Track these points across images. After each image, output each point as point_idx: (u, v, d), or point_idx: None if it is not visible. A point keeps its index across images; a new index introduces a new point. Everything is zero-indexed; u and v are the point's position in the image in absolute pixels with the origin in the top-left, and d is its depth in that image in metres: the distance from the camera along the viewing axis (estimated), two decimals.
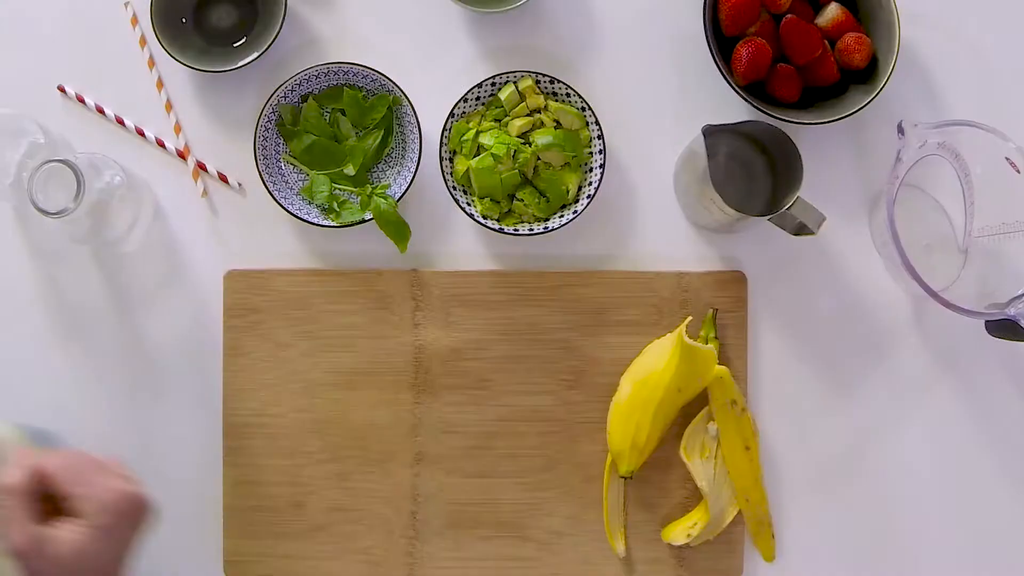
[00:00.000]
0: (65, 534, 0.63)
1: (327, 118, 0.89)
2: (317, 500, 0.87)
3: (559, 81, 0.86)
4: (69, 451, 0.69)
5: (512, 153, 0.85)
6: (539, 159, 0.86)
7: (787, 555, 0.88)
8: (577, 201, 0.87)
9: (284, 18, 0.87)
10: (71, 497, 0.64)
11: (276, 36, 0.87)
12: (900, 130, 0.81)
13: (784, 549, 0.88)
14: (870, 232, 0.90)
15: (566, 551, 0.86)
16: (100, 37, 0.91)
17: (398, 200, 0.85)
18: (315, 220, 0.86)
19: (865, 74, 0.88)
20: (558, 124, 0.87)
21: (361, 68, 0.86)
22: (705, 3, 0.86)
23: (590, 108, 0.86)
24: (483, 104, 0.88)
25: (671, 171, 0.90)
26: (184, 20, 0.90)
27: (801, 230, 0.82)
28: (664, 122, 0.91)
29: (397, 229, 0.85)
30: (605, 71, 0.91)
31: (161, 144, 0.90)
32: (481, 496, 0.87)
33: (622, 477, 0.85)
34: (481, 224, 0.86)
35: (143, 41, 0.91)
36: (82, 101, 0.90)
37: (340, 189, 0.88)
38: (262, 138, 0.86)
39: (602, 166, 0.86)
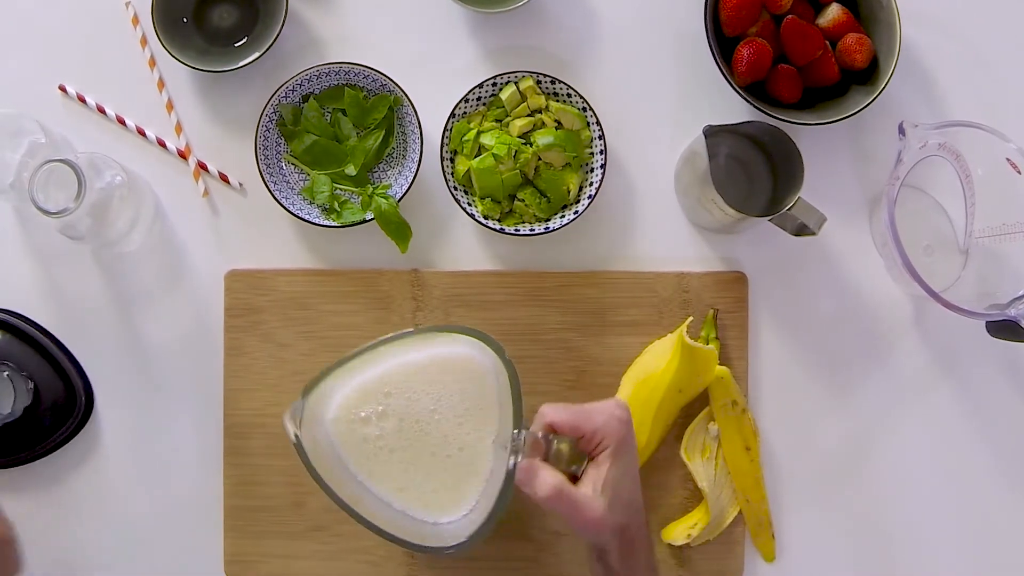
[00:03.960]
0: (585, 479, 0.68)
1: (328, 118, 0.89)
2: (317, 500, 0.86)
3: (560, 81, 0.86)
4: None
5: (513, 153, 0.85)
6: (540, 159, 0.86)
7: (787, 555, 0.88)
8: (578, 201, 0.87)
9: (285, 18, 0.87)
10: (584, 435, 0.68)
11: (277, 36, 0.87)
12: (901, 131, 0.81)
13: (784, 549, 0.88)
14: (871, 233, 0.90)
15: (566, 552, 0.86)
16: (101, 37, 0.91)
17: (399, 200, 0.85)
18: (316, 220, 0.86)
19: (866, 75, 0.88)
20: (559, 124, 0.87)
21: (362, 68, 0.86)
22: (706, 3, 0.86)
23: (591, 108, 0.86)
24: (484, 104, 0.88)
25: (672, 171, 0.90)
26: (185, 20, 0.90)
27: (802, 231, 0.82)
28: (665, 122, 0.91)
29: (398, 229, 0.85)
30: (606, 71, 0.91)
31: (162, 144, 0.90)
32: None
33: None
34: (482, 224, 0.86)
35: (144, 41, 0.91)
36: (83, 101, 0.90)
37: (341, 189, 0.88)
38: (263, 138, 0.86)
39: (603, 166, 0.86)
